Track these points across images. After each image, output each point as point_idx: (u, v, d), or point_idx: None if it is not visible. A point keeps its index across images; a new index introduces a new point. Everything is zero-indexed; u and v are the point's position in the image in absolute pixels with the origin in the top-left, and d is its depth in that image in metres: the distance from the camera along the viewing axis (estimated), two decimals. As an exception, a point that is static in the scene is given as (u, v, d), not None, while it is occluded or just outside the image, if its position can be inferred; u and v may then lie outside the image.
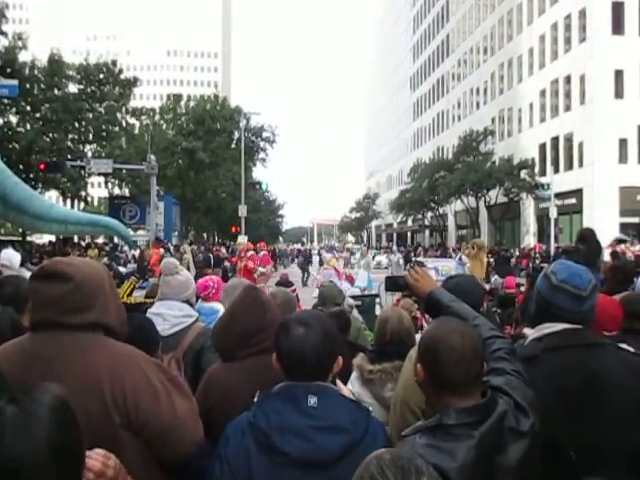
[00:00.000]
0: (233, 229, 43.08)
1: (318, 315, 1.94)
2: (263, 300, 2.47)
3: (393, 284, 2.47)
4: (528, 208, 41.20)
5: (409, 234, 72.80)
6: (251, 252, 15.37)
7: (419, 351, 1.80)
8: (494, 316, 5.11)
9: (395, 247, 54.06)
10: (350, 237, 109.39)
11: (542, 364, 1.99)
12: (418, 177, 50.90)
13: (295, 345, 1.79)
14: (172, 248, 21.17)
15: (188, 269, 14.12)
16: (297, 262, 32.98)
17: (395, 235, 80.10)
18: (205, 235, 61.66)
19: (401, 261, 23.02)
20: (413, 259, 29.93)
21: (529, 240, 41.09)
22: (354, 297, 7.89)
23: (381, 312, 3.43)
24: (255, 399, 1.82)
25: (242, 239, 23.34)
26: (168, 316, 3.44)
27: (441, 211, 51.75)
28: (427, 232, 62.54)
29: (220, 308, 4.07)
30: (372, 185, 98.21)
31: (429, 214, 54.96)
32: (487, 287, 9.71)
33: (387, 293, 9.70)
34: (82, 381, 1.69)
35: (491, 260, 16.41)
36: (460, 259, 21.84)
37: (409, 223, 66.55)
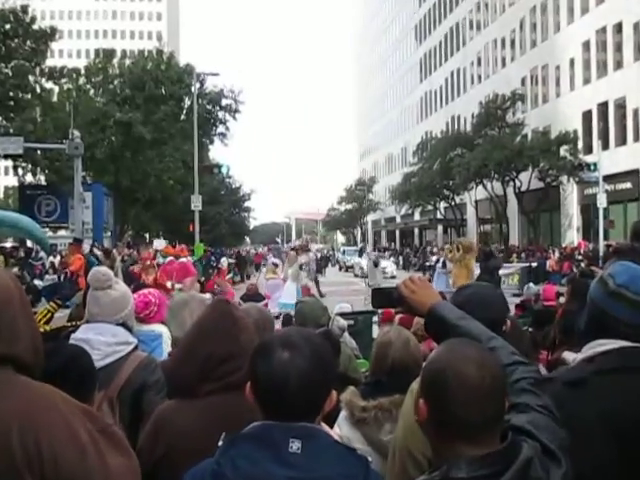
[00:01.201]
0: (190, 227, 42.93)
1: (308, 335, 1.93)
2: (236, 317, 2.49)
3: (383, 298, 2.43)
4: (570, 195, 41.60)
5: (416, 231, 73.08)
6: (169, 258, 15.08)
7: (422, 383, 1.81)
8: (525, 337, 5.16)
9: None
10: (339, 236, 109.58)
11: (591, 391, 2.00)
12: (427, 156, 51.13)
13: (276, 373, 1.78)
14: (100, 252, 21.03)
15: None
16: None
17: (398, 232, 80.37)
18: (147, 236, 61.33)
19: (385, 263, 23.56)
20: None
21: (572, 237, 41.49)
22: (344, 315, 7.90)
23: (380, 334, 3.46)
24: (220, 443, 1.82)
25: (159, 243, 23.10)
26: (98, 343, 3.42)
27: (458, 200, 52.04)
28: (440, 228, 62.85)
29: (164, 331, 4.08)
30: (367, 167, 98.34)
31: (442, 204, 55.20)
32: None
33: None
34: None
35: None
36: (443, 265, 22.10)
37: (416, 217, 66.81)
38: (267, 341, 1.89)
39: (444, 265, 21.87)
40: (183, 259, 15.12)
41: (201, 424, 2.26)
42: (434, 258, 23.94)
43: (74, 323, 4.34)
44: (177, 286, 13.14)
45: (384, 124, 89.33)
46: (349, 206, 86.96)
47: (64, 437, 1.74)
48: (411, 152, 61.47)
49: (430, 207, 56.15)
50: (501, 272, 25.50)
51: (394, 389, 3.03)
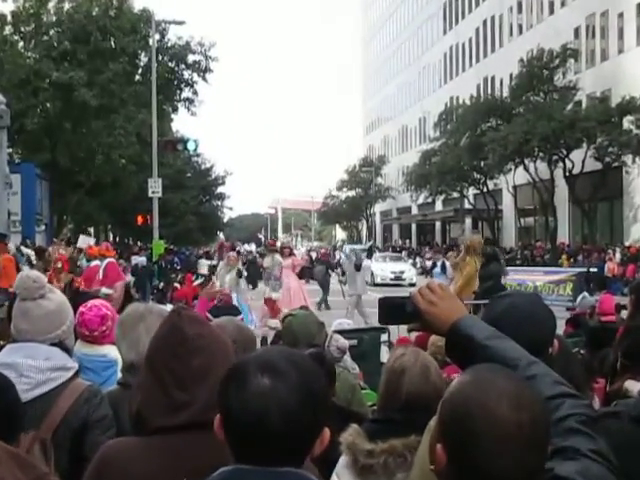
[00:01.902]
0: (139, 219, 42.87)
1: (294, 356, 1.94)
2: (186, 336, 2.46)
3: (392, 312, 2.43)
4: (635, 180, 41.68)
5: (438, 225, 73.08)
6: (95, 262, 15.01)
7: (440, 422, 1.81)
8: (577, 361, 5.17)
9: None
10: (339, 231, 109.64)
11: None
12: (452, 129, 51.11)
13: (252, 405, 1.79)
14: (31, 251, 20.98)
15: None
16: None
17: (415, 227, 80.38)
18: (92, 230, 61.26)
19: (403, 267, 23.26)
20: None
21: (637, 233, 41.56)
22: (344, 333, 7.91)
23: (392, 358, 3.46)
24: None
25: (83, 240, 22.75)
26: (27, 369, 3.42)
27: (491, 186, 52.07)
28: (468, 221, 62.88)
29: (117, 356, 4.07)
30: (375, 143, 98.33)
31: (471, 191, 55.21)
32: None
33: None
34: None
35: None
36: (443, 267, 22.02)
37: (438, 206, 66.81)
38: (242, 363, 1.90)
39: (443, 269, 21.83)
40: (110, 259, 15.17)
41: (155, 467, 2.27)
42: (429, 262, 23.28)
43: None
44: (105, 291, 13.25)
45: (396, 88, 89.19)
46: (352, 193, 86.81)
47: None
48: (431, 124, 61.43)
49: (456, 195, 56.13)
50: (547, 279, 25.63)
51: (409, 428, 3.03)
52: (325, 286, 29.21)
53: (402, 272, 43.68)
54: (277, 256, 20.06)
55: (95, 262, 15.02)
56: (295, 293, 20.16)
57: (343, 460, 3.18)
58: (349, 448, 3.13)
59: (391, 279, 42.32)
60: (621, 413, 2.17)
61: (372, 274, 39.70)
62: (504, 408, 1.70)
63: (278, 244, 23.06)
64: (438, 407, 1.85)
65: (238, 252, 22.69)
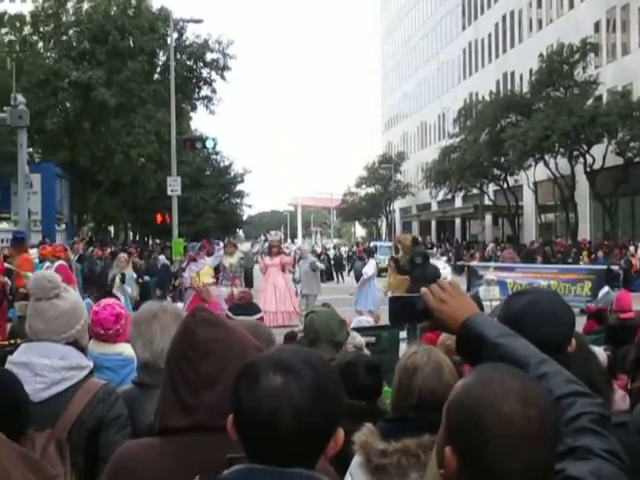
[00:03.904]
0: (158, 217, 43.02)
1: (308, 356, 1.93)
2: (197, 338, 2.44)
3: (403, 310, 2.44)
4: (657, 175, 41.43)
5: (457, 221, 72.93)
6: (46, 264, 14.43)
7: (448, 424, 1.80)
8: (595, 360, 5.12)
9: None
10: (358, 228, 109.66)
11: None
12: (472, 125, 50.98)
13: (264, 404, 1.79)
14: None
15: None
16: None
17: (434, 223, 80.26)
18: (112, 229, 61.60)
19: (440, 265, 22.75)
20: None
21: (660, 228, 41.35)
22: (361, 330, 7.90)
23: (405, 356, 3.44)
24: None
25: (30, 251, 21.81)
26: (42, 368, 3.44)
27: (511, 182, 51.91)
28: (488, 218, 62.71)
29: (132, 354, 4.08)
30: (394, 140, 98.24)
31: (491, 187, 55.05)
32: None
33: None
34: None
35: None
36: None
37: (457, 203, 66.70)
38: (254, 362, 1.89)
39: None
40: (61, 261, 14.77)
41: (170, 468, 2.28)
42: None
43: (12, 342, 4.36)
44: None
45: (415, 84, 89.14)
46: (371, 190, 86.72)
47: None
48: (451, 120, 61.30)
49: (476, 191, 55.99)
50: (563, 277, 24.62)
51: (422, 427, 3.02)
52: None
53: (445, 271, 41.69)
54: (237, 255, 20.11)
55: (47, 264, 14.54)
56: (282, 292, 20.10)
57: (357, 460, 3.16)
58: (362, 447, 3.11)
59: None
60: (628, 424, 2.15)
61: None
62: (512, 404, 1.69)
63: (277, 240, 22.63)
64: (444, 409, 1.84)
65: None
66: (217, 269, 20.52)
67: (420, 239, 46.08)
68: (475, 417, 1.71)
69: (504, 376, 1.78)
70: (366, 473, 3.10)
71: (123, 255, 19.02)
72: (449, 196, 60.92)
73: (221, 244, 20.67)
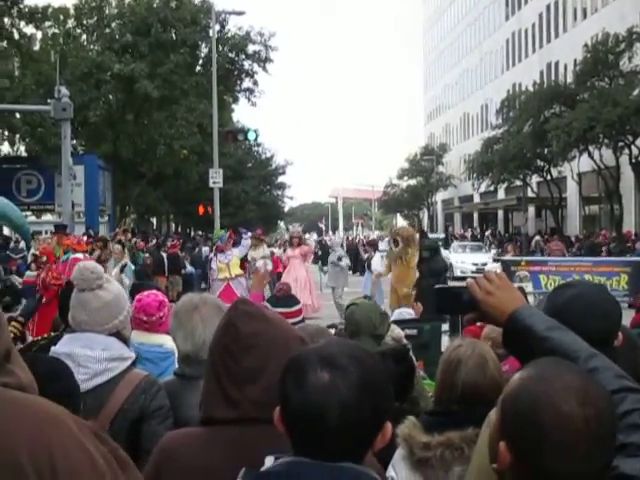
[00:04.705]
0: (200, 209, 43.25)
1: (355, 351, 1.93)
2: (239, 333, 2.44)
3: (448, 301, 2.43)
4: None
5: (500, 213, 72.51)
6: (75, 255, 14.45)
7: (502, 420, 1.78)
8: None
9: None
10: (400, 220, 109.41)
11: None
12: (515, 116, 50.62)
13: (311, 401, 1.80)
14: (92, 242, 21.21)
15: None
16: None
17: (477, 215, 79.85)
18: (154, 220, 62.03)
19: (344, 260, 22.39)
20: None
21: None
22: (401, 322, 7.89)
23: (448, 349, 3.43)
24: None
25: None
26: (85, 359, 3.47)
27: (555, 173, 51.51)
28: (531, 210, 62.28)
29: (173, 346, 4.10)
30: (436, 131, 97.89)
31: (534, 179, 54.64)
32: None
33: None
34: None
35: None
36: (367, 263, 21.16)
37: (500, 195, 66.30)
38: (301, 356, 1.90)
39: (369, 265, 21.37)
40: (76, 255, 14.45)
41: (216, 458, 2.30)
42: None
43: (53, 334, 4.40)
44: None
45: (458, 75, 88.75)
46: (412, 181, 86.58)
47: (80, 460, 1.79)
48: (494, 111, 60.84)
49: (519, 183, 55.58)
50: (597, 270, 24.10)
51: (466, 421, 3.01)
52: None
53: (484, 264, 39.31)
54: (265, 248, 19.99)
55: (73, 255, 14.28)
56: (302, 285, 20.08)
57: (399, 453, 3.16)
58: (405, 440, 3.11)
59: (472, 272, 37.67)
60: None
61: (451, 266, 37.76)
62: (571, 403, 1.68)
63: (297, 231, 22.61)
64: (498, 403, 1.83)
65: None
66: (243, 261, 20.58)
67: (427, 231, 45.62)
68: (532, 413, 1.69)
69: (563, 372, 1.76)
70: (409, 466, 3.11)
71: (117, 247, 18.82)
72: (492, 188, 60.51)
73: (249, 233, 20.54)
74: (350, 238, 67.01)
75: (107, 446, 1.90)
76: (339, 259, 22.10)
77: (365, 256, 21.92)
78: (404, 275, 15.67)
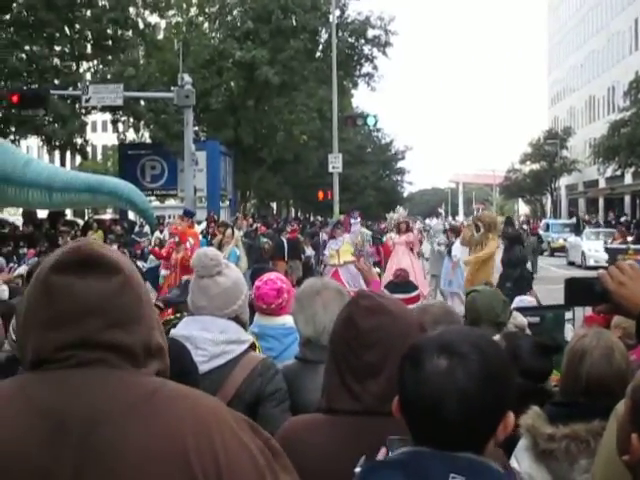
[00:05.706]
0: (320, 194, 43.52)
1: (475, 337, 1.90)
2: (359, 328, 2.45)
3: (580, 292, 2.38)
4: None
5: (627, 199, 70.60)
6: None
7: (634, 410, 1.75)
8: None
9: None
10: (522, 205, 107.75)
11: None
12: (644, 98, 49.31)
13: (428, 388, 1.78)
14: (212, 226, 21.43)
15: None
16: None
17: (602, 201, 77.92)
18: (274, 205, 62.81)
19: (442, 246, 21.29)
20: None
21: None
22: (523, 310, 7.76)
23: (574, 339, 3.37)
24: (357, 469, 1.84)
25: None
26: (203, 342, 3.53)
27: (686, 158, 49.95)
28: (660, 195, 60.56)
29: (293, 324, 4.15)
30: (560, 114, 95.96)
31: (663, 163, 53.06)
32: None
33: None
34: (157, 455, 1.72)
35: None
36: (449, 251, 20.16)
37: (627, 180, 64.60)
38: (420, 343, 1.88)
39: (449, 251, 20.08)
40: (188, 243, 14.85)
41: (337, 445, 2.33)
42: (429, 245, 20.76)
43: (174, 317, 4.50)
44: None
45: (583, 57, 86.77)
46: (535, 166, 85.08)
47: (243, 457, 1.81)
48: (621, 93, 59.31)
49: (647, 167, 54.15)
50: None
51: (591, 413, 2.96)
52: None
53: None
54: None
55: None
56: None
57: (522, 443, 3.14)
58: (528, 431, 3.08)
59: (607, 261, 32.11)
60: None
61: (583, 255, 36.84)
62: None
63: (402, 216, 21.87)
64: (627, 393, 1.77)
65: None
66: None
67: (514, 220, 43.95)
68: None
69: None
70: (532, 457, 3.08)
71: (228, 231, 18.78)
72: (618, 172, 59.07)
73: (358, 219, 20.28)
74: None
75: (260, 437, 1.92)
76: (439, 245, 21.50)
77: (446, 242, 21.16)
78: (483, 264, 15.32)
